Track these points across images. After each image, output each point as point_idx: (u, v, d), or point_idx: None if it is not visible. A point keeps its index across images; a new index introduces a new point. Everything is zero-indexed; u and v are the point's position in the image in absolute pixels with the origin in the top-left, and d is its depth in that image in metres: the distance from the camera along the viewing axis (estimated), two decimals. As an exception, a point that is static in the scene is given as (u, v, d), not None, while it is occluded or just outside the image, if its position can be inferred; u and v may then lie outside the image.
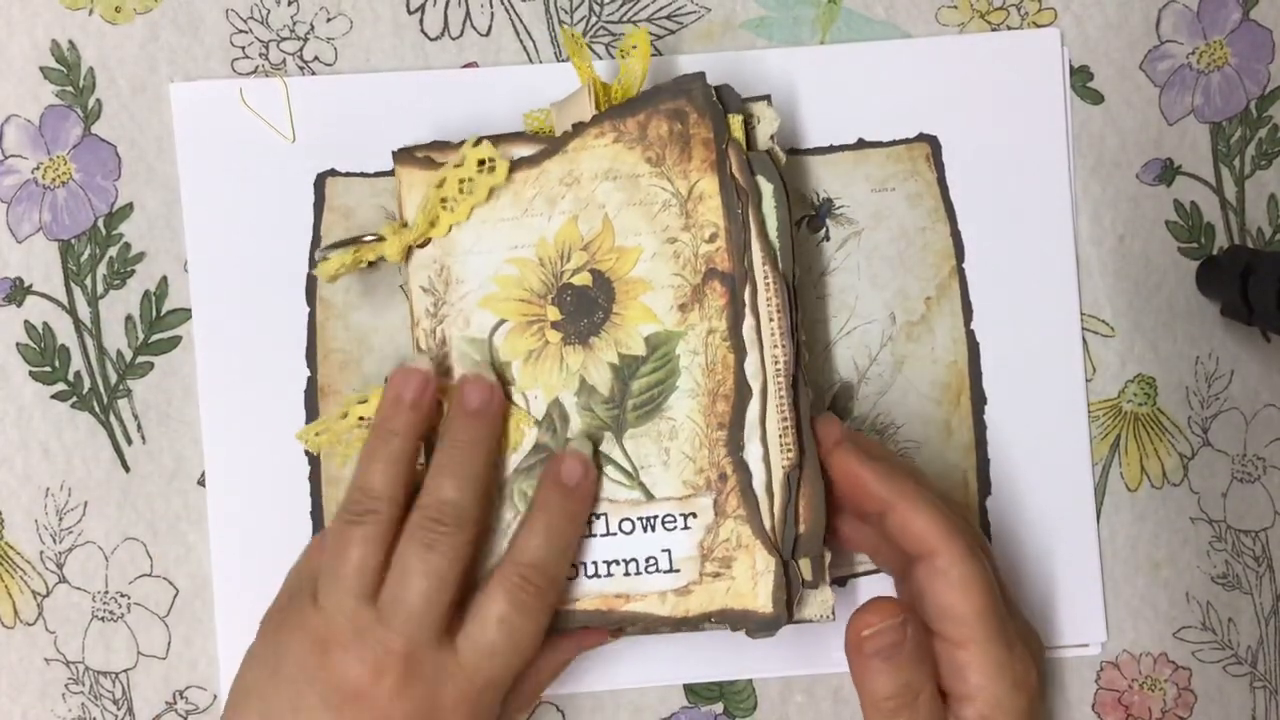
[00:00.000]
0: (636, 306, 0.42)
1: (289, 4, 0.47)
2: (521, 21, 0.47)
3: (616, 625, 0.42)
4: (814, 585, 0.42)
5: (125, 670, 0.46)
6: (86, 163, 0.47)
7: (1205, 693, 0.48)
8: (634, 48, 0.44)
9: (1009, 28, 0.48)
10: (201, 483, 0.46)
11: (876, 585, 0.46)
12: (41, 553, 0.46)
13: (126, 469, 0.47)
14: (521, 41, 0.47)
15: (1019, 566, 0.47)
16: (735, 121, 0.43)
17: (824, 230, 0.47)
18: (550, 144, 0.43)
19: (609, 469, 0.42)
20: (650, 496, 0.42)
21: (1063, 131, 0.48)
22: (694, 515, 0.42)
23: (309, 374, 0.47)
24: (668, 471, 0.42)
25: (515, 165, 0.43)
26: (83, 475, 0.47)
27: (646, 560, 0.42)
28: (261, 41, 0.47)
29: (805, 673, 0.47)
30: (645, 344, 0.42)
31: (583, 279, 0.43)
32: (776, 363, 0.41)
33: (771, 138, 0.43)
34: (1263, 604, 0.48)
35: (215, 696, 0.46)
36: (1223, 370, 0.48)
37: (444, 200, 0.43)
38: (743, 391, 0.42)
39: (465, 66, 0.47)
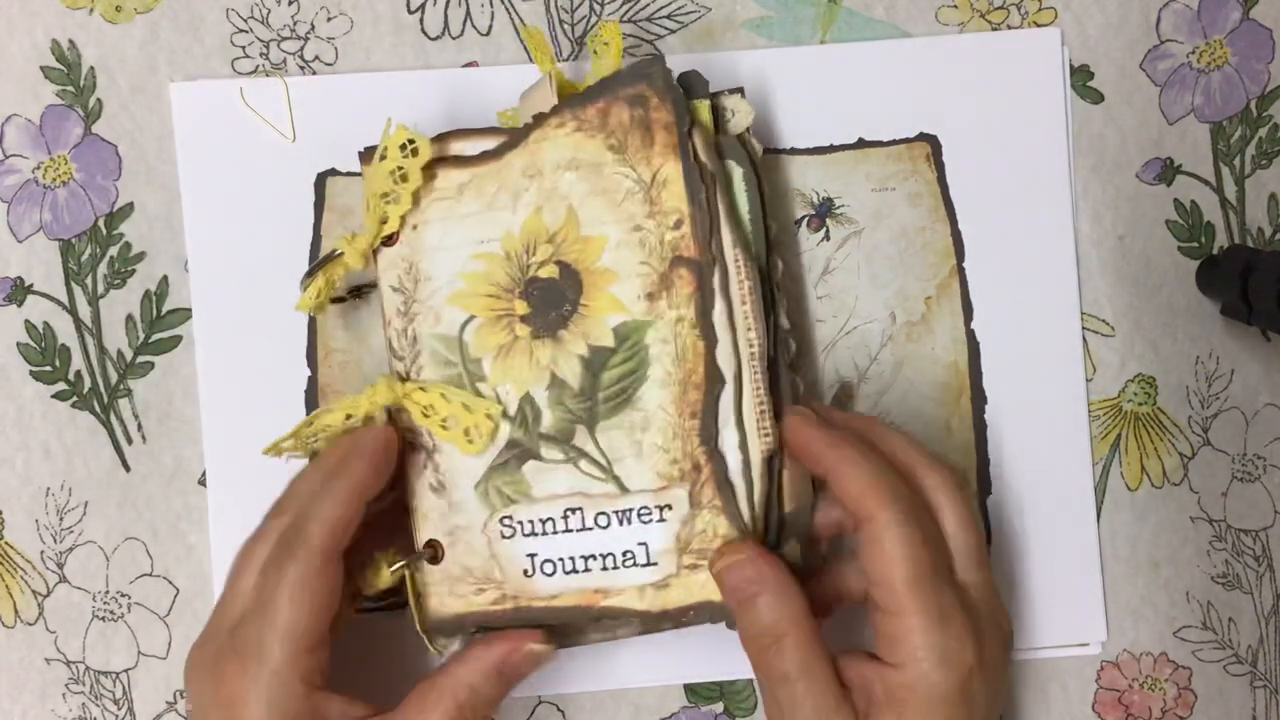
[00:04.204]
0: (604, 297, 0.42)
1: (289, 4, 0.47)
2: (522, 21, 0.47)
3: (596, 618, 0.41)
4: (806, 573, 0.41)
5: (126, 670, 0.46)
6: (87, 162, 0.47)
7: (1205, 692, 0.48)
8: (606, 44, 0.43)
9: (1009, 27, 0.48)
10: (202, 482, 0.46)
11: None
12: (42, 552, 0.46)
13: (127, 469, 0.47)
14: (522, 41, 0.47)
15: (1019, 566, 0.47)
16: (701, 106, 0.42)
17: (824, 230, 0.47)
18: (511, 136, 0.42)
19: (582, 463, 0.42)
20: (625, 490, 0.41)
21: (1063, 131, 0.48)
22: (669, 507, 0.41)
23: (309, 374, 0.47)
24: (641, 463, 0.41)
25: (478, 159, 0.42)
26: (83, 475, 0.47)
27: (624, 554, 0.41)
28: (262, 41, 0.47)
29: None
30: (613, 335, 0.41)
31: (549, 271, 0.42)
32: (751, 346, 0.41)
33: (747, 130, 0.43)
34: (1263, 603, 0.48)
35: (216, 696, 0.46)
36: (1223, 370, 0.48)
37: (384, 195, 0.42)
38: (714, 379, 0.41)
39: (465, 66, 0.47)
